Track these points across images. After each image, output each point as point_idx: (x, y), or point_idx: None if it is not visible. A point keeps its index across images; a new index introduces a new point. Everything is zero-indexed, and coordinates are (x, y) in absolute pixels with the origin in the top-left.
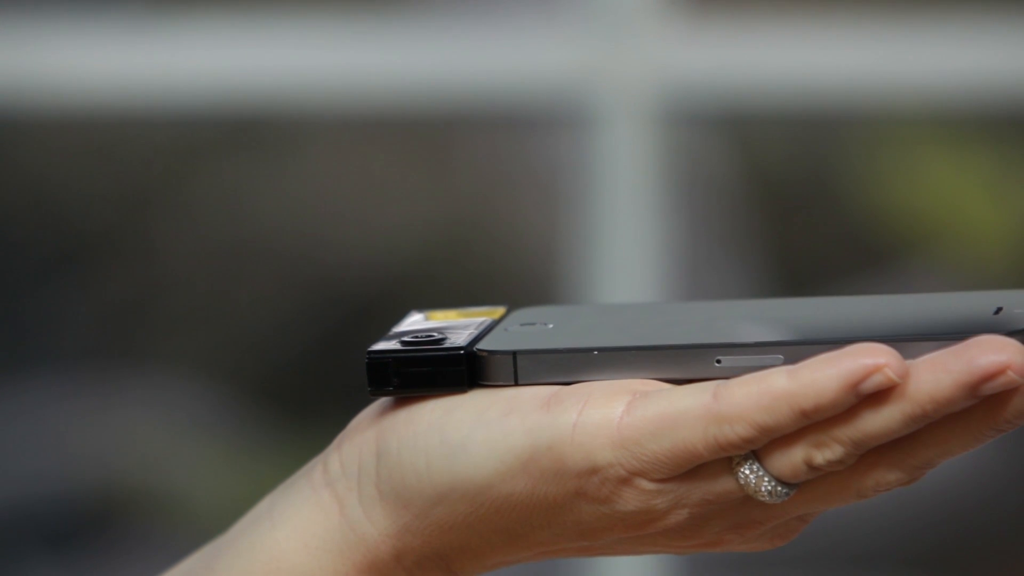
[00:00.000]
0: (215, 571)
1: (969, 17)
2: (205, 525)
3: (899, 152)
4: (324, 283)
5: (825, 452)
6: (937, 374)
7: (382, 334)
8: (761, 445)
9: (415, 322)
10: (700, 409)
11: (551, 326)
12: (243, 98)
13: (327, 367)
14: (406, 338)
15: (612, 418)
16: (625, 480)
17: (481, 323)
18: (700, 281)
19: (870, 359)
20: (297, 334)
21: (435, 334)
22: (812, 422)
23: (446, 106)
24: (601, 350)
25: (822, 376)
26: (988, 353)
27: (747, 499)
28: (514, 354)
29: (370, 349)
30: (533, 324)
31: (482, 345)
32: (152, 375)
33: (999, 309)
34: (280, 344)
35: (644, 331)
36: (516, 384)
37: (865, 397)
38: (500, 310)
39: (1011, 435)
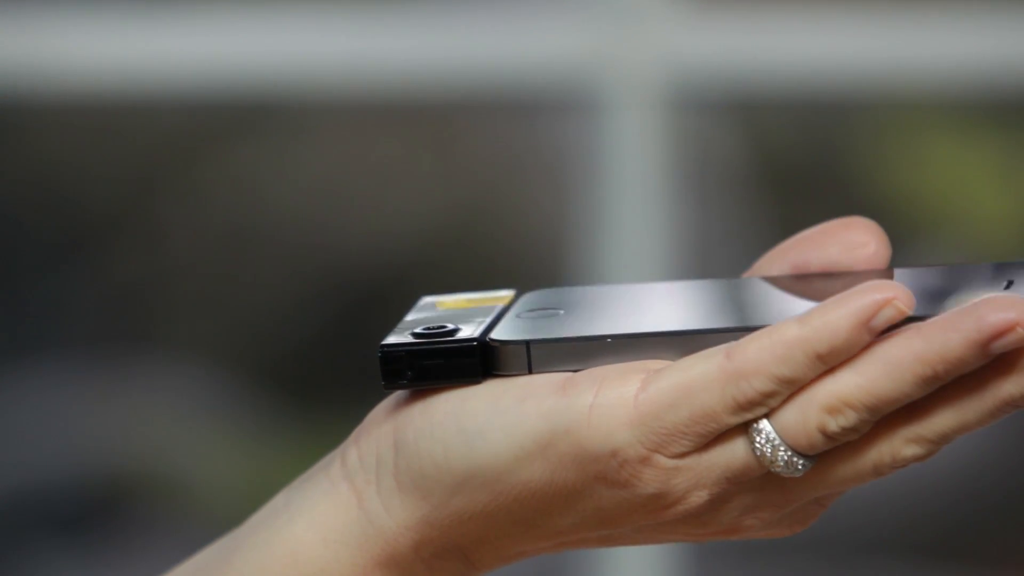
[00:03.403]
0: (232, 565)
1: (976, 2)
2: (212, 510)
3: (906, 137)
4: (332, 268)
5: (839, 419)
6: (947, 333)
7: (394, 321)
8: (780, 400)
9: (425, 308)
10: (715, 371)
11: (561, 312)
12: (251, 83)
13: (334, 352)
14: (417, 330)
15: (628, 396)
16: (644, 459)
17: (491, 310)
18: (708, 266)
19: (879, 295)
20: (305, 319)
21: (447, 325)
22: (828, 367)
23: (454, 91)
24: (614, 337)
25: (833, 318)
26: (997, 311)
27: (765, 477)
28: (527, 344)
29: (383, 343)
30: (543, 310)
31: (495, 335)
32: (160, 360)
33: (1010, 283)
34: (288, 329)
35: (656, 315)
36: (530, 373)
37: (878, 339)
38: (509, 294)
39: (1018, 425)
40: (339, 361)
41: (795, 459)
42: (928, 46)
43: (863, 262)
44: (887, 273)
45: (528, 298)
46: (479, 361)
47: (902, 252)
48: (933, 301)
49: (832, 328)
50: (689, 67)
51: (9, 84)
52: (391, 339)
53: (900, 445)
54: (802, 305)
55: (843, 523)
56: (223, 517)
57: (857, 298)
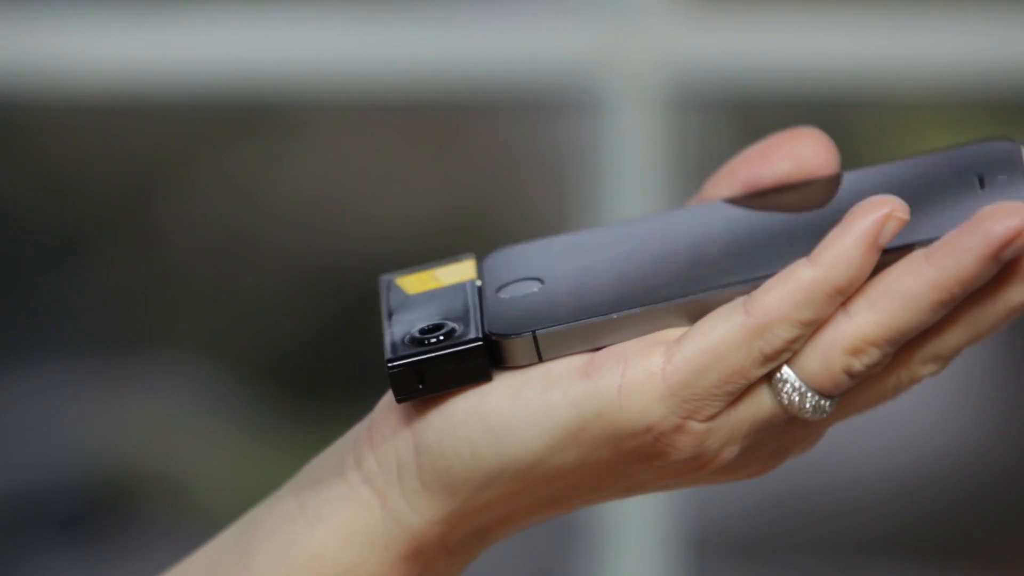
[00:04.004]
0: (251, 569)
1: (976, 2)
2: (212, 510)
3: (906, 137)
4: (331, 268)
5: (863, 358)
6: (958, 255)
7: (375, 317)
8: (804, 343)
9: (394, 292)
10: (739, 330)
11: (543, 282)
12: (250, 83)
13: (333, 352)
14: (415, 333)
15: (655, 371)
16: (678, 428)
17: (463, 289)
18: None
19: (877, 212)
20: (304, 319)
21: (444, 323)
22: (846, 298)
23: (453, 91)
24: (621, 315)
25: (842, 249)
26: (1001, 221)
27: (791, 420)
28: (534, 335)
29: (389, 360)
30: (521, 281)
31: (495, 327)
32: (159, 360)
33: (981, 180)
34: (286, 329)
35: (646, 274)
36: (540, 361)
37: (889, 272)
38: (469, 261)
39: (1018, 424)
40: (338, 361)
41: (822, 402)
42: (928, 46)
43: (814, 173)
44: (838, 178)
45: (493, 264)
46: (488, 360)
47: None
48: (914, 202)
49: (845, 260)
50: (689, 67)
51: (9, 84)
52: (393, 350)
53: (917, 367)
54: (795, 235)
55: (843, 523)
56: (223, 517)
57: (858, 222)
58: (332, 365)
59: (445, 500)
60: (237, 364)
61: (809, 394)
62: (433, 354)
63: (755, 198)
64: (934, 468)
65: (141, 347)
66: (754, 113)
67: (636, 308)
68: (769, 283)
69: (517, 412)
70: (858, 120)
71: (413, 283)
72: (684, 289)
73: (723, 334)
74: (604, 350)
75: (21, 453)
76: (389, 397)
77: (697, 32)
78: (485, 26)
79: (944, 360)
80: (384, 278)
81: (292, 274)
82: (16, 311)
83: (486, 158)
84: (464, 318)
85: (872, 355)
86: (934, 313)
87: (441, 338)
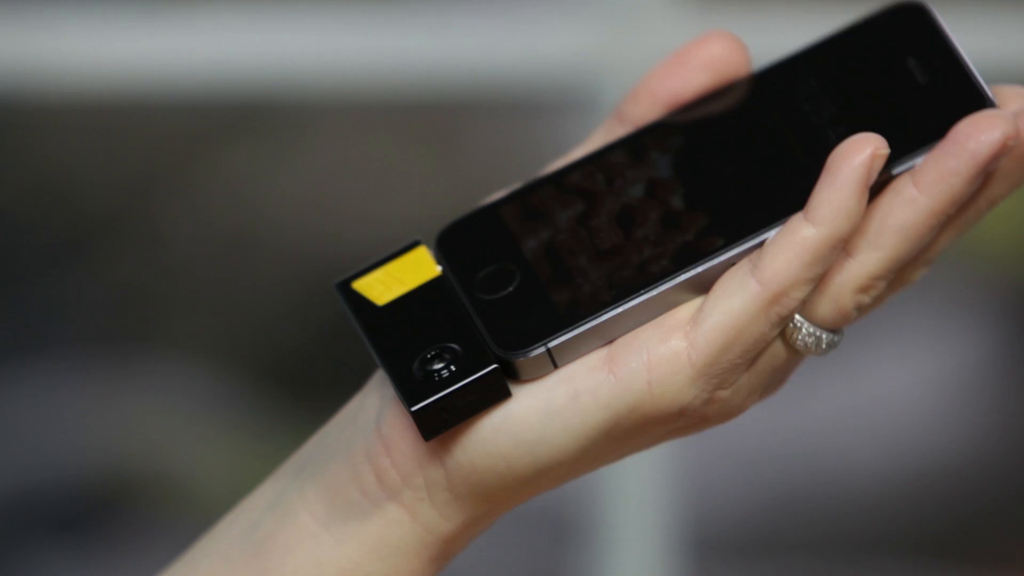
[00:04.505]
0: None
1: (975, 2)
2: (211, 510)
3: None
4: (330, 269)
5: (871, 292)
6: (949, 180)
7: (345, 323)
8: (812, 292)
9: (360, 304)
10: (755, 302)
11: (517, 266)
12: (249, 83)
13: (333, 352)
14: (422, 368)
15: (681, 358)
16: (708, 401)
17: (437, 290)
18: None
19: (861, 154)
20: (303, 319)
21: (446, 347)
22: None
23: (453, 91)
24: (627, 306)
25: (839, 203)
26: (982, 135)
27: (797, 354)
28: (547, 348)
29: (412, 406)
30: (491, 269)
31: (506, 347)
32: (158, 360)
33: (915, 68)
34: (286, 329)
35: (630, 250)
36: (556, 368)
37: (884, 207)
38: (420, 249)
39: (1018, 425)
40: (337, 361)
41: (835, 338)
42: None
43: (730, 76)
44: (761, 82)
45: (449, 249)
46: (505, 380)
47: None
48: (861, 110)
49: (844, 212)
50: None
51: (9, 84)
52: (410, 393)
53: (911, 273)
54: (756, 166)
55: (843, 523)
56: (221, 516)
57: (846, 169)
58: (332, 365)
59: (479, 506)
60: (237, 364)
61: (824, 335)
62: (452, 388)
63: (688, 122)
64: (934, 468)
65: (141, 347)
66: None
67: (641, 295)
68: (773, 247)
69: (548, 422)
70: None
71: (375, 288)
72: (681, 263)
73: (740, 309)
74: (620, 342)
75: (21, 453)
76: (398, 407)
77: (697, 32)
78: (485, 26)
79: (933, 261)
80: (339, 285)
81: (292, 274)
82: (16, 311)
83: (486, 159)
84: (461, 333)
85: (879, 287)
86: (932, 235)
87: (453, 368)
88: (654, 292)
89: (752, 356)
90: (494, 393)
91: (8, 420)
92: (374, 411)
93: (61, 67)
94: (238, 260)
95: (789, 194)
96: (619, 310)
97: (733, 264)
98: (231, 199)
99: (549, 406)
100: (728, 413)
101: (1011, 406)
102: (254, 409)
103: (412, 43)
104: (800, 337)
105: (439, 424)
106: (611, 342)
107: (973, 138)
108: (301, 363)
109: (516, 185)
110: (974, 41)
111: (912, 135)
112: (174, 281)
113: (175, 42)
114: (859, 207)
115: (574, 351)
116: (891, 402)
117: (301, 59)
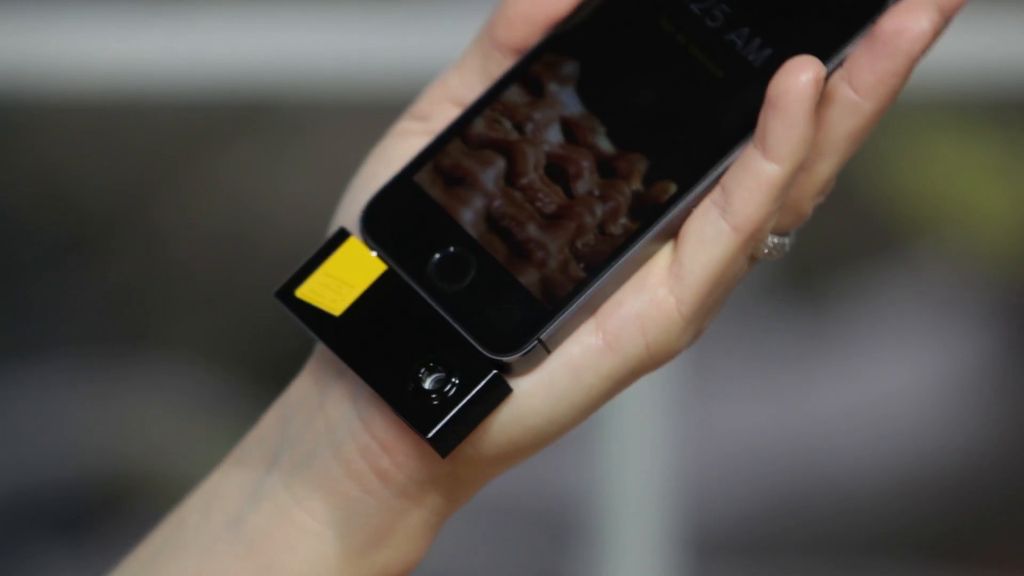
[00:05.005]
0: None
1: (975, 2)
2: None
3: (906, 137)
4: None
5: (827, 190)
6: (888, 81)
7: (302, 335)
8: None
9: (315, 316)
10: (733, 247)
11: (458, 244)
12: (249, 84)
13: None
14: (416, 387)
15: (673, 314)
16: (695, 338)
17: (390, 287)
18: None
19: (804, 83)
20: None
21: (435, 357)
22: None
23: None
24: (605, 277)
25: (794, 134)
26: (911, 29)
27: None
28: (540, 340)
29: (428, 434)
30: (434, 254)
31: (498, 348)
32: (158, 361)
33: None
34: (285, 330)
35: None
36: (549, 354)
37: (830, 116)
38: (351, 241)
39: (1018, 425)
40: None
41: (794, 238)
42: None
43: None
44: None
45: (383, 235)
46: (506, 382)
47: (902, 253)
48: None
49: (801, 143)
50: None
51: (9, 84)
52: (417, 418)
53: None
54: (671, 86)
55: (843, 523)
56: None
57: (794, 102)
58: None
59: (485, 480)
60: (236, 364)
61: (786, 241)
62: (459, 405)
63: (579, 44)
64: (934, 468)
65: (140, 347)
66: None
67: (615, 263)
68: (740, 191)
69: (555, 405)
70: None
71: (322, 294)
72: (643, 216)
73: (722, 256)
74: (607, 311)
75: (20, 453)
76: (385, 407)
77: None
78: None
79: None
80: (280, 295)
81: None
82: (16, 311)
83: None
84: (443, 339)
85: (833, 183)
86: (878, 121)
87: (453, 382)
88: (627, 255)
89: (731, 289)
90: (498, 395)
91: (7, 420)
92: (347, 403)
93: (61, 67)
94: (237, 260)
95: (722, 117)
96: (599, 283)
97: (694, 206)
98: (230, 200)
99: (553, 391)
100: (699, 334)
101: (1011, 406)
102: (253, 409)
103: (412, 43)
104: (766, 250)
105: (453, 441)
106: (595, 311)
107: (904, 35)
108: (300, 363)
109: (415, 139)
110: (974, 41)
111: (831, 30)
112: (173, 281)
113: (175, 42)
114: (812, 132)
115: (564, 333)
116: (891, 402)
117: (301, 59)
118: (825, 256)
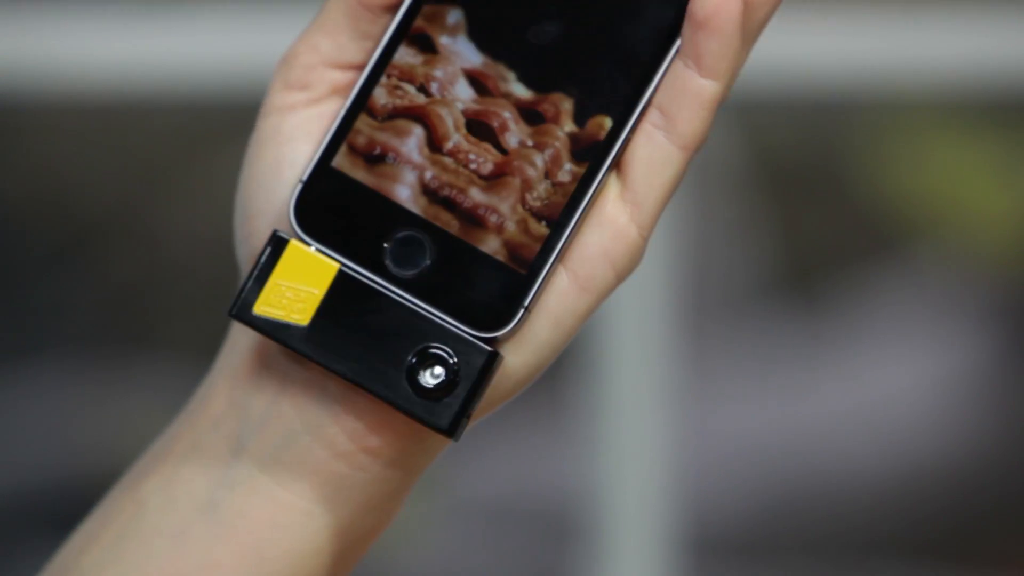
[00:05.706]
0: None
1: (976, 2)
2: None
3: (906, 137)
4: None
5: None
6: None
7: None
8: None
9: (287, 330)
10: (681, 165)
11: (411, 231)
12: (248, 84)
13: None
14: (418, 385)
15: (636, 240)
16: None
17: (345, 284)
18: (707, 267)
19: (730, 5)
20: None
21: (429, 348)
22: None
23: None
24: (569, 232)
25: (724, 45)
26: None
27: None
28: (524, 308)
29: (447, 432)
30: (389, 241)
31: (488, 326)
32: (158, 361)
33: None
34: None
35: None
36: (530, 313)
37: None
38: (292, 245)
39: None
40: None
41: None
42: (928, 46)
43: None
44: None
45: (322, 231)
46: (499, 353)
47: (901, 253)
48: None
49: (735, 55)
50: None
51: (9, 84)
52: (437, 416)
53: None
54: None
55: (843, 523)
56: None
57: (724, 17)
58: None
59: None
60: None
61: None
62: (467, 392)
63: (457, 6)
64: (933, 468)
65: (140, 347)
66: (753, 114)
67: (573, 214)
68: (683, 111)
69: (539, 354)
70: (858, 122)
71: (281, 305)
72: (589, 159)
73: (673, 176)
74: (575, 256)
75: (19, 453)
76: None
77: None
78: None
79: None
80: (238, 315)
81: None
82: (15, 311)
83: None
84: (426, 328)
85: None
86: None
87: (451, 367)
88: (586, 200)
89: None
90: (494, 367)
91: (7, 420)
92: (315, 388)
93: (60, 68)
94: (236, 261)
95: (635, 40)
96: (564, 237)
97: (632, 135)
98: (229, 200)
99: (536, 343)
100: None
101: (1010, 407)
102: None
103: None
104: None
105: (464, 424)
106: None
107: None
108: None
109: (305, 111)
110: (974, 41)
111: None
112: (172, 282)
113: (174, 43)
114: (742, 45)
115: (541, 292)
116: (890, 402)
117: None
118: (824, 257)
